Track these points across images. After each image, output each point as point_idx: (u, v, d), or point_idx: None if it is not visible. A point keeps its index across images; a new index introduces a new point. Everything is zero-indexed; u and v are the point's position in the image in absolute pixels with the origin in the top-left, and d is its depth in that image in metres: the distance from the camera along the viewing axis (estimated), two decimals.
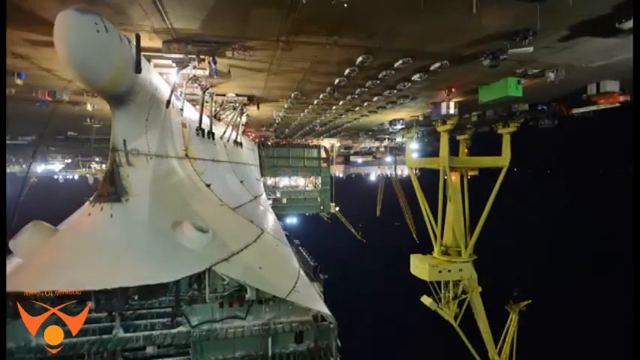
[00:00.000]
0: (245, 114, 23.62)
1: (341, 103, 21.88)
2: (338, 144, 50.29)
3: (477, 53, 12.90)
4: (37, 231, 7.88)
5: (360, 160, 62.87)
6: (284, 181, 47.13)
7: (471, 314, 26.81)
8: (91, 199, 7.74)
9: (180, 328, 8.12)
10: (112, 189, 7.64)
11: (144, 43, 11.95)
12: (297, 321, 8.61)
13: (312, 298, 9.15)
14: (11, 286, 6.81)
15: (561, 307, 55.37)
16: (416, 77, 15.80)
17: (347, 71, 15.02)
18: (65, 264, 6.98)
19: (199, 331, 8.08)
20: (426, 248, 28.18)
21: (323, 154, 48.08)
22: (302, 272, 10.37)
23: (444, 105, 21.33)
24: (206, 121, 16.83)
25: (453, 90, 18.68)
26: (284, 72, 15.61)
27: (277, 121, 28.08)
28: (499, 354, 27.27)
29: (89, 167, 56.91)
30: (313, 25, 10.81)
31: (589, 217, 70.85)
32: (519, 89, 15.65)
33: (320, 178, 47.78)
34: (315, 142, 46.57)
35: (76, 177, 64.47)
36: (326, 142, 47.52)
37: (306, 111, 24.68)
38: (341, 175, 61.19)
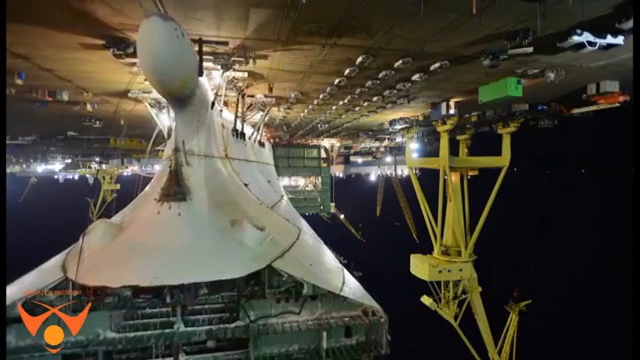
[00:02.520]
0: (268, 115, 23.99)
1: (341, 103, 21.91)
2: (338, 144, 50.31)
3: (477, 53, 12.91)
4: (106, 228, 8.15)
5: (360, 160, 62.88)
6: (284, 181, 47.17)
7: (471, 314, 26.81)
8: (156, 197, 7.95)
9: (238, 323, 8.40)
10: (177, 188, 7.92)
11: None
12: (347, 315, 8.84)
13: (361, 293, 9.40)
14: (94, 281, 7.20)
15: (561, 307, 55.41)
16: (416, 77, 15.81)
17: (347, 71, 15.04)
18: (143, 260, 7.30)
19: (258, 326, 8.36)
20: (426, 248, 28.20)
21: (323, 154, 48.11)
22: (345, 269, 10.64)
23: (443, 105, 21.35)
24: (238, 122, 17.23)
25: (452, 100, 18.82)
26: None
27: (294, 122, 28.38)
28: (499, 354, 27.27)
29: (89, 167, 56.98)
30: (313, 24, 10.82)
31: (589, 217, 70.92)
32: (519, 89, 15.65)
33: (320, 178, 47.81)
34: (315, 142, 46.60)
35: (76, 177, 64.57)
36: (326, 142, 47.55)
37: (306, 110, 24.72)
38: (341, 175, 61.21)
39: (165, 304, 8.10)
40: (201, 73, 8.62)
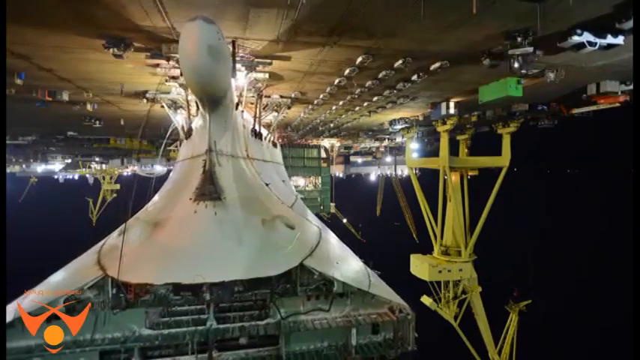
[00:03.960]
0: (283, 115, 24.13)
1: (341, 102, 21.91)
2: (338, 144, 50.28)
3: (477, 53, 12.91)
4: (143, 227, 8.27)
5: (360, 160, 62.83)
6: None
7: (471, 314, 26.81)
8: (192, 197, 8.07)
9: (269, 320, 8.53)
10: (212, 188, 8.06)
11: (144, 43, 12.06)
12: (375, 313, 8.97)
13: (387, 291, 9.52)
14: (137, 279, 7.34)
15: (561, 307, 55.39)
16: (416, 77, 15.81)
17: (347, 71, 15.04)
18: (185, 258, 7.42)
19: (289, 323, 8.49)
20: (426, 248, 28.20)
21: (323, 154, 48.07)
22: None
23: (443, 105, 21.35)
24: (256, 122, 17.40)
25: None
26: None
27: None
28: (499, 354, 27.26)
29: (89, 167, 56.97)
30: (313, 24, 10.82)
31: (589, 216, 70.89)
32: (519, 89, 15.65)
33: (320, 178, 47.77)
34: (315, 142, 46.57)
35: (76, 177, 64.59)
36: (326, 142, 47.52)
37: (306, 110, 24.73)
38: (341, 175, 61.18)
39: (200, 301, 8.23)
40: (234, 75, 8.73)
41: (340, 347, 8.82)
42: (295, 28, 11.00)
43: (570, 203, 77.66)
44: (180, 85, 16.01)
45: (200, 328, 8.16)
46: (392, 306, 8.96)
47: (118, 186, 60.25)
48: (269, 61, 13.73)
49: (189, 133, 12.82)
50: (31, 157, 48.07)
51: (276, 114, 21.81)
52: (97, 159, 54.39)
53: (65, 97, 17.92)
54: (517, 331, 27.24)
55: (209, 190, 8.02)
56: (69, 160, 53.10)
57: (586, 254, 66.12)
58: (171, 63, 13.54)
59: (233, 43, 8.85)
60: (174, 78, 15.50)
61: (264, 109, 21.12)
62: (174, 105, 18.30)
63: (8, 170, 52.80)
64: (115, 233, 8.96)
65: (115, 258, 7.46)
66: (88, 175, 60.37)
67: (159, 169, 54.95)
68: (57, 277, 8.51)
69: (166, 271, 7.30)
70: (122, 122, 26.61)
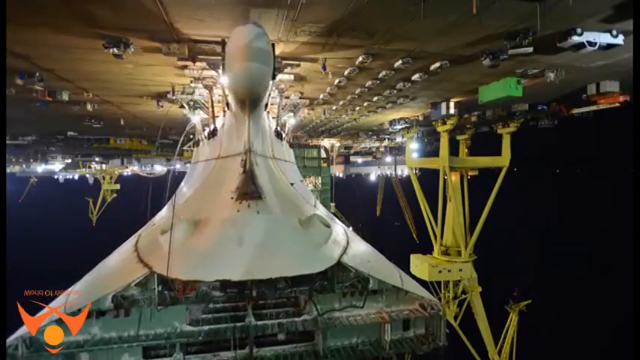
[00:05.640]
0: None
1: (341, 102, 21.92)
2: (338, 144, 50.30)
3: (477, 53, 12.91)
4: (186, 225, 8.37)
5: (360, 160, 62.78)
6: None
7: (471, 314, 26.81)
8: (234, 196, 8.14)
9: (305, 316, 8.72)
10: (254, 187, 8.14)
11: (144, 43, 12.08)
12: (406, 309, 9.15)
13: (418, 287, 9.70)
14: (187, 276, 7.48)
15: (561, 307, 55.40)
16: (416, 77, 15.81)
17: (347, 71, 15.05)
18: (233, 255, 7.54)
19: (325, 319, 8.65)
20: (426, 248, 28.21)
21: (323, 154, 48.05)
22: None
23: (443, 105, 21.35)
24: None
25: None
26: None
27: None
28: (499, 354, 27.27)
29: (89, 167, 56.95)
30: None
31: (589, 217, 70.88)
32: (519, 89, 15.66)
33: (320, 178, 47.77)
34: (315, 142, 46.57)
35: (76, 177, 64.56)
36: (326, 142, 47.53)
37: (306, 110, 24.73)
38: (341, 175, 61.15)
39: (238, 298, 8.44)
40: (274, 76, 8.89)
41: (374, 343, 9.02)
42: (295, 28, 11.01)
43: (570, 203, 77.69)
44: (205, 87, 16.17)
45: (239, 324, 8.37)
46: (423, 302, 9.16)
47: (118, 186, 60.25)
48: (297, 62, 13.86)
49: (213, 133, 12.90)
50: (31, 157, 48.06)
51: (291, 114, 21.93)
52: (97, 159, 54.36)
53: (65, 97, 17.93)
54: (517, 331, 27.26)
55: (251, 189, 8.11)
56: (69, 160, 53.10)
57: (586, 254, 66.11)
58: (198, 64, 13.65)
59: (273, 45, 8.96)
60: (198, 79, 15.64)
61: (283, 109, 21.42)
62: (194, 105, 18.44)
63: (8, 170, 52.78)
64: (155, 231, 9.18)
65: (160, 256, 7.64)
66: (88, 175, 60.34)
67: (159, 168, 55.02)
68: (96, 276, 8.78)
69: (216, 268, 7.45)
70: (122, 122, 26.65)
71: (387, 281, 8.93)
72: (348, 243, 9.66)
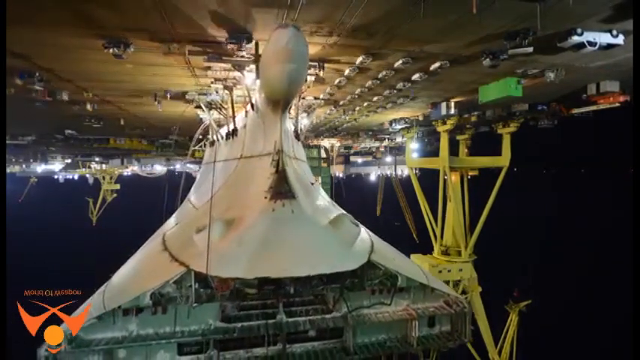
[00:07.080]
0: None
1: (341, 103, 21.92)
2: (338, 144, 50.29)
3: (477, 53, 12.92)
4: (221, 224, 8.45)
5: (360, 160, 62.74)
6: None
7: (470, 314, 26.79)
8: (267, 196, 8.25)
9: (335, 314, 8.81)
10: (287, 187, 8.29)
11: (143, 43, 12.07)
12: (432, 306, 9.28)
13: (442, 284, 9.83)
14: (227, 273, 7.60)
15: (561, 307, 55.39)
16: (416, 77, 15.81)
17: (347, 71, 15.05)
18: (271, 253, 7.64)
19: (355, 316, 8.76)
20: (426, 248, 28.22)
21: (323, 154, 47.98)
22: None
23: (443, 105, 21.35)
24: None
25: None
26: None
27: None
28: (499, 354, 27.29)
29: (89, 167, 56.94)
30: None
31: (589, 217, 70.89)
32: (519, 89, 15.67)
33: (320, 178, 47.71)
34: (315, 142, 46.56)
35: (76, 177, 64.56)
36: (326, 142, 47.52)
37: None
38: (341, 175, 61.11)
39: (275, 295, 8.60)
40: (306, 78, 8.96)
41: (401, 339, 9.12)
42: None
43: (570, 203, 77.69)
44: (225, 88, 16.17)
45: (272, 321, 8.47)
46: (448, 299, 9.29)
47: (118, 186, 60.26)
48: (321, 63, 13.79)
49: (233, 134, 12.97)
50: (31, 157, 48.05)
51: (305, 114, 21.98)
52: (96, 159, 54.33)
53: (65, 96, 17.92)
54: (517, 331, 27.27)
55: (285, 189, 8.26)
56: (69, 160, 53.08)
57: (586, 254, 66.11)
58: (222, 65, 13.60)
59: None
60: (218, 80, 15.64)
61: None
62: (210, 105, 18.46)
63: (8, 170, 52.77)
64: (185, 231, 9.36)
65: (195, 254, 7.82)
66: (88, 175, 60.35)
67: (159, 168, 55.01)
68: (128, 275, 8.92)
69: (254, 265, 7.54)
70: (122, 122, 26.63)
71: (415, 278, 9.06)
72: (373, 241, 9.75)
